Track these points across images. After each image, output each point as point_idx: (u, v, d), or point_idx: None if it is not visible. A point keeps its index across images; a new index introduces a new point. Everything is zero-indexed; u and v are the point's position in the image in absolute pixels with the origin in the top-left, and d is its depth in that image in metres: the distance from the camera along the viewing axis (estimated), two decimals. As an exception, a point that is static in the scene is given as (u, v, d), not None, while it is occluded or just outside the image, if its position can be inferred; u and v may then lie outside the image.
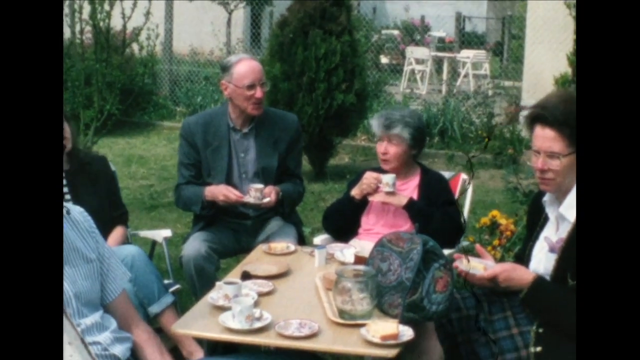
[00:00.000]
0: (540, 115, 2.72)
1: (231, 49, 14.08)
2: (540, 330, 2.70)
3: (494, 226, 4.64)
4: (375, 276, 2.78)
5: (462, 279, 2.86)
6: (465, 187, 4.17)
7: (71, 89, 7.07)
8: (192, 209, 4.03)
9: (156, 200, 7.25)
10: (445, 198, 3.82)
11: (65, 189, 3.70)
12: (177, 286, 3.86)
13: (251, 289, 2.98)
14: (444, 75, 14.44)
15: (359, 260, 3.22)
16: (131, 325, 2.70)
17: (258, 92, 3.89)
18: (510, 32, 16.35)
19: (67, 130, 3.73)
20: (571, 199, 2.71)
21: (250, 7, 15.30)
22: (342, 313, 2.71)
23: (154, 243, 4.31)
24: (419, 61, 14.96)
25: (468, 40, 16.44)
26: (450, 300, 2.76)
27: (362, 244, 3.64)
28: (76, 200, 3.51)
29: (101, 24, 6.57)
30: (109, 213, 3.85)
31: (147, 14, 6.93)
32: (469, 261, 2.82)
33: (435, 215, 3.69)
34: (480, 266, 2.83)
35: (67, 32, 7.39)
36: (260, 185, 3.83)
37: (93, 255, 2.62)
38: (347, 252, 3.41)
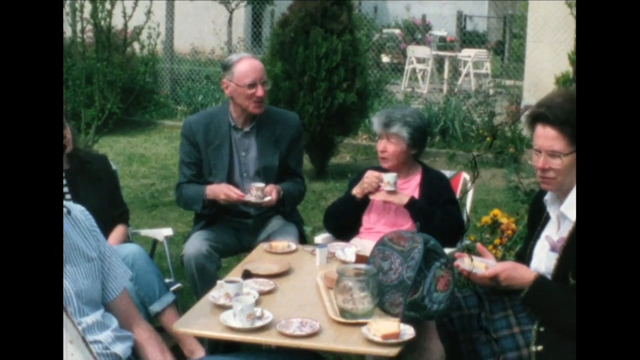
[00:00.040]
0: (542, 115, 2.72)
1: (232, 48, 14.08)
2: (542, 329, 2.70)
3: (495, 225, 4.64)
4: (377, 275, 2.78)
5: (463, 277, 2.86)
6: (467, 187, 4.17)
7: (72, 88, 7.07)
8: (193, 207, 4.03)
9: (157, 199, 7.26)
10: (447, 197, 3.82)
11: (66, 189, 3.70)
12: (178, 285, 3.86)
13: (252, 287, 2.98)
14: (445, 74, 14.44)
15: (360, 259, 3.22)
16: (132, 324, 2.70)
17: (259, 91, 3.89)
18: (512, 31, 16.34)
19: (67, 131, 3.73)
20: (572, 198, 2.71)
21: (251, 6, 15.30)
22: (343, 312, 2.71)
23: (155, 242, 4.31)
24: (420, 60, 14.96)
25: (469, 39, 16.44)
26: (452, 299, 2.76)
27: (363, 243, 3.64)
28: (76, 200, 3.51)
29: (102, 22, 6.56)
30: (110, 212, 3.85)
31: (148, 12, 6.93)
32: (472, 260, 2.82)
33: (437, 214, 3.69)
34: (482, 265, 2.83)
35: (68, 31, 7.40)
36: (261, 184, 3.83)
37: (94, 254, 2.61)
38: (348, 251, 3.41)
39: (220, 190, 3.85)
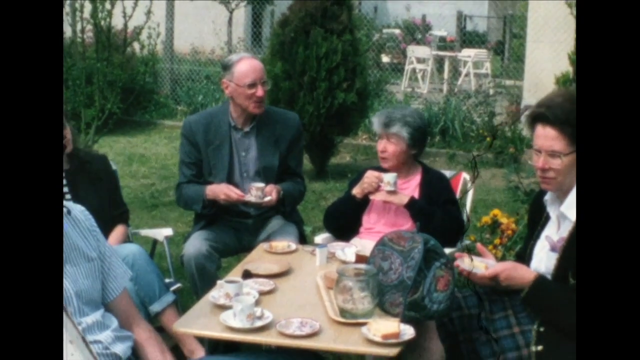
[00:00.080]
0: (542, 114, 2.72)
1: (232, 48, 14.08)
2: (542, 329, 2.70)
3: (495, 225, 4.64)
4: (377, 275, 2.78)
5: (463, 277, 2.86)
6: (467, 187, 4.17)
7: (72, 88, 7.07)
8: (193, 207, 4.03)
9: (157, 199, 7.26)
10: (447, 197, 3.82)
11: (66, 189, 3.70)
12: (178, 285, 3.86)
13: (252, 287, 2.98)
14: (445, 74, 14.44)
15: (360, 259, 3.22)
16: (132, 324, 2.70)
17: (259, 91, 3.89)
18: (512, 31, 16.34)
19: (67, 131, 3.73)
20: (572, 198, 2.71)
21: (251, 6, 15.30)
22: (343, 312, 2.71)
23: (155, 242, 4.31)
24: (420, 60, 14.97)
25: (469, 39, 16.44)
26: (452, 299, 2.76)
27: (363, 243, 3.64)
28: (76, 200, 3.51)
29: (102, 22, 6.56)
30: (110, 212, 3.85)
31: (148, 12, 6.93)
32: (472, 260, 2.82)
33: (437, 214, 3.69)
34: (482, 265, 2.83)
35: (68, 31, 7.39)
36: (261, 184, 3.83)
37: (94, 254, 2.61)
38: (348, 251, 3.41)
39: (220, 190, 3.85)
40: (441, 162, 8.86)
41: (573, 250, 2.52)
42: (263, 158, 3.99)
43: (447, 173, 4.19)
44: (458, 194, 4.11)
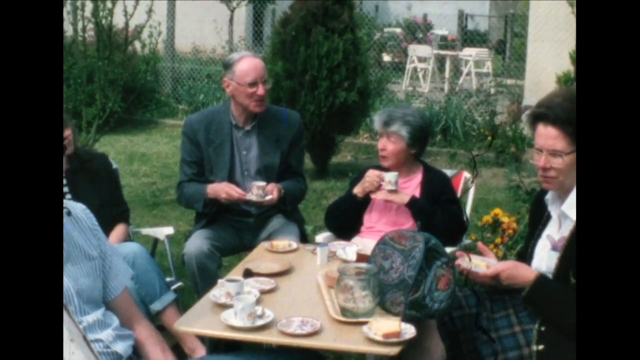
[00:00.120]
0: (543, 114, 2.72)
1: (233, 47, 14.08)
2: (543, 329, 2.70)
3: (496, 224, 4.64)
4: (378, 274, 2.78)
5: (463, 277, 2.86)
6: (467, 186, 4.17)
7: (73, 87, 7.08)
8: (195, 206, 4.03)
9: (158, 198, 7.26)
10: (448, 196, 3.82)
11: (66, 189, 3.69)
12: (179, 284, 3.86)
13: (253, 286, 2.98)
14: (446, 74, 14.44)
15: (361, 258, 3.22)
16: (133, 322, 2.70)
17: (260, 90, 3.89)
18: (513, 30, 16.33)
19: (69, 132, 3.73)
20: (573, 197, 2.71)
21: (252, 5, 15.30)
22: (344, 311, 2.71)
23: (156, 241, 4.31)
24: (421, 59, 14.97)
25: (470, 38, 16.44)
26: (452, 298, 2.76)
27: (365, 242, 3.64)
28: (76, 199, 3.50)
29: (103, 21, 6.57)
30: (110, 211, 3.84)
31: (150, 11, 6.93)
32: (470, 259, 2.82)
33: (438, 213, 3.69)
34: (483, 264, 2.83)
35: (69, 30, 7.41)
36: (262, 183, 3.83)
37: (95, 253, 2.61)
38: (349, 250, 3.41)
39: (221, 189, 3.86)
40: (442, 161, 8.86)
41: (574, 250, 2.52)
42: (264, 157, 3.99)
43: (448, 172, 4.18)
44: (459, 193, 4.10)
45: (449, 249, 3.12)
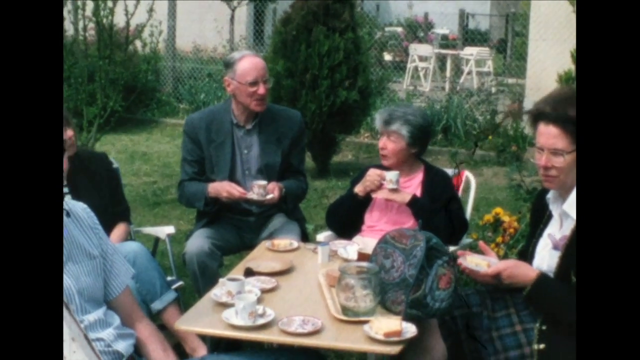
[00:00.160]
0: (544, 113, 2.72)
1: (234, 46, 14.09)
2: (544, 328, 2.69)
3: (497, 223, 4.64)
4: (379, 273, 2.78)
5: (465, 276, 2.85)
6: (469, 185, 4.16)
7: (74, 86, 7.08)
8: (196, 205, 4.03)
9: (159, 197, 7.26)
10: (449, 195, 3.82)
11: (66, 189, 3.69)
12: (180, 283, 3.86)
13: (254, 285, 2.98)
14: (447, 73, 14.44)
15: (362, 257, 3.22)
16: (134, 321, 2.70)
17: (261, 89, 3.89)
18: (514, 29, 16.34)
19: (71, 133, 3.72)
20: (575, 196, 2.71)
21: (253, 4, 15.30)
22: (345, 310, 2.71)
23: (157, 240, 4.31)
24: (422, 58, 14.97)
25: (471, 37, 16.42)
26: (454, 297, 2.76)
27: (366, 241, 3.64)
28: (77, 199, 3.50)
29: (104, 20, 6.56)
30: (111, 210, 3.84)
31: (150, 10, 6.93)
32: (467, 260, 2.82)
33: (439, 212, 3.69)
34: (484, 263, 2.83)
35: (70, 29, 7.41)
36: (263, 182, 3.83)
37: (96, 252, 2.62)
38: (350, 249, 3.41)
39: (222, 188, 3.86)
40: (443, 161, 8.85)
41: (575, 249, 2.52)
42: (265, 156, 3.99)
43: (449, 171, 4.18)
44: (460, 193, 4.10)
45: (450, 248, 3.12)
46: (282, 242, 3.62)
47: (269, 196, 3.81)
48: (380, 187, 3.78)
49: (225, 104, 4.12)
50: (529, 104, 9.31)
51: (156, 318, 3.38)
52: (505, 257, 4.07)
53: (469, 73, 14.20)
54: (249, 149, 4.01)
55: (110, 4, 6.53)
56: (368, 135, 9.81)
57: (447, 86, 13.30)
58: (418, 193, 3.80)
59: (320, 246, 3.41)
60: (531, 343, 2.69)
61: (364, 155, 9.33)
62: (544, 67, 9.12)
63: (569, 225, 2.74)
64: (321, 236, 3.98)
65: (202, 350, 3.28)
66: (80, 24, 6.86)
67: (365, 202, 3.87)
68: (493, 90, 10.90)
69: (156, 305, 3.43)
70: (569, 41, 8.34)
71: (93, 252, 2.60)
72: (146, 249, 3.61)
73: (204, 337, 3.28)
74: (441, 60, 15.44)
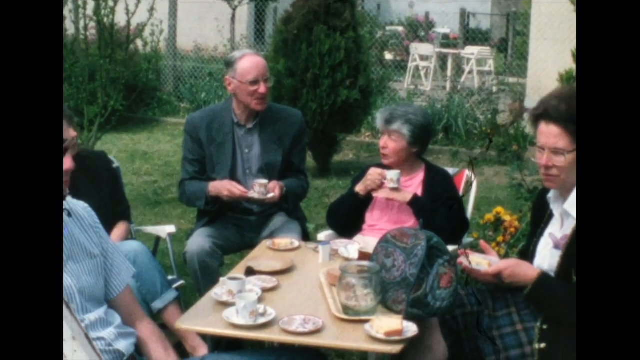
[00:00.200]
0: (545, 112, 2.72)
1: (235, 45, 14.09)
2: (545, 327, 2.69)
3: (498, 223, 4.63)
4: (380, 272, 2.77)
5: (465, 275, 2.85)
6: (470, 181, 4.16)
7: (75, 85, 7.09)
8: (196, 204, 4.03)
9: (160, 196, 7.26)
10: (450, 194, 3.82)
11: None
12: (181, 282, 3.86)
13: (255, 284, 2.98)
14: (448, 72, 14.45)
15: (363, 256, 3.22)
16: (135, 320, 2.70)
17: (262, 88, 3.89)
18: (515, 29, 16.33)
19: (74, 134, 3.72)
20: (576, 195, 2.70)
21: (254, 3, 15.31)
22: (346, 309, 2.71)
23: (158, 239, 4.31)
24: (423, 57, 14.97)
25: (472, 36, 16.43)
26: (455, 296, 2.76)
27: (366, 240, 3.63)
28: (77, 199, 3.51)
29: (105, 20, 6.57)
30: (112, 209, 3.84)
31: (151, 10, 6.94)
32: (468, 259, 2.82)
33: (440, 211, 3.69)
34: (485, 262, 2.83)
35: (71, 28, 7.42)
36: (264, 181, 3.83)
37: (97, 251, 2.61)
38: (351, 248, 3.41)
39: (223, 187, 3.86)
40: (444, 160, 8.86)
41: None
42: (266, 155, 3.99)
43: (450, 170, 4.18)
44: (461, 192, 4.10)
45: (451, 247, 3.12)
46: (283, 241, 3.62)
47: (270, 195, 3.81)
48: (381, 186, 3.78)
49: (226, 103, 4.12)
50: (530, 103, 9.31)
51: (157, 317, 3.39)
52: (506, 256, 4.07)
53: (470, 72, 14.20)
54: (250, 148, 4.01)
55: (111, 3, 6.54)
56: (369, 134, 9.81)
57: (448, 85, 13.31)
58: (419, 192, 3.80)
59: (321, 245, 3.41)
60: (532, 342, 2.69)
61: (365, 155, 9.33)
62: (545, 67, 9.11)
63: (570, 224, 2.73)
64: (322, 235, 3.98)
65: (202, 349, 3.28)
66: (81, 23, 6.88)
67: (366, 201, 3.86)
68: (494, 89, 10.91)
69: (157, 305, 3.43)
70: (570, 40, 8.33)
71: (94, 251, 2.60)
72: (147, 248, 3.61)
73: (204, 336, 3.28)
74: (442, 59, 15.44)
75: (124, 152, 9.23)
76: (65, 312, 2.00)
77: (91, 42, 7.34)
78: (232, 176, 3.95)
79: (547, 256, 2.79)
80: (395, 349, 2.51)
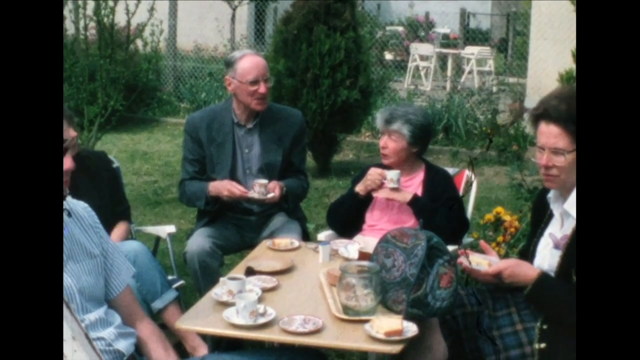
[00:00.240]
0: (545, 112, 2.71)
1: (235, 45, 14.10)
2: (545, 327, 2.69)
3: (498, 223, 4.63)
4: (380, 272, 2.77)
5: (465, 275, 2.85)
6: (470, 180, 4.17)
7: (75, 85, 7.09)
8: (196, 204, 4.03)
9: (160, 196, 7.27)
10: (450, 194, 3.82)
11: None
12: (181, 282, 3.86)
13: (255, 284, 2.98)
14: (448, 72, 14.45)
15: (363, 256, 3.22)
16: (135, 320, 2.70)
17: (261, 88, 3.89)
18: (515, 29, 16.33)
19: (75, 134, 3.72)
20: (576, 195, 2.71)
21: (254, 3, 15.31)
22: (346, 309, 2.71)
23: (158, 239, 4.31)
24: (423, 57, 14.97)
25: (472, 36, 16.43)
26: (455, 296, 2.75)
27: (366, 240, 3.63)
28: (77, 199, 3.50)
29: (105, 20, 6.57)
30: (112, 209, 3.84)
31: (151, 10, 6.94)
32: (468, 259, 2.82)
33: (440, 211, 3.69)
34: (485, 262, 2.83)
35: (71, 28, 7.42)
36: (264, 181, 3.83)
37: (97, 251, 2.61)
38: (351, 248, 3.41)
39: (223, 187, 3.85)
40: (444, 160, 8.86)
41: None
42: (266, 155, 3.99)
43: (450, 170, 4.18)
44: (461, 192, 4.10)
45: (451, 247, 3.12)
46: (283, 241, 3.62)
47: (270, 195, 3.81)
48: (381, 186, 3.78)
49: (226, 103, 4.12)
50: (530, 103, 9.31)
51: (157, 317, 3.39)
52: (506, 256, 4.07)
53: (470, 72, 14.20)
54: (250, 148, 4.01)
55: (111, 3, 6.54)
56: (369, 134, 9.81)
57: (448, 85, 13.31)
58: (419, 192, 3.80)
59: (321, 245, 3.41)
60: (532, 342, 2.69)
61: (364, 155, 9.33)
62: (545, 67, 9.11)
63: (570, 224, 2.73)
64: (322, 235, 3.98)
65: (202, 349, 3.28)
66: (81, 23, 6.88)
67: (366, 201, 3.86)
68: (494, 89, 10.91)
69: (157, 305, 3.43)
70: (570, 40, 8.33)
71: (94, 251, 2.60)
72: (147, 248, 3.61)
73: (204, 336, 3.28)
74: (442, 59, 15.45)
75: (124, 152, 9.23)
76: (65, 312, 2.00)
77: (91, 42, 7.34)
78: (232, 176, 3.95)
79: (547, 256, 2.79)
80: (395, 349, 2.51)
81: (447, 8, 17.35)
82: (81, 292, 2.51)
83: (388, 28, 17.36)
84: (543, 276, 2.70)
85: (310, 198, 6.66)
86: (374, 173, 3.79)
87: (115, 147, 9.35)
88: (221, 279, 3.06)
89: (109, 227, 3.55)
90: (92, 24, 6.80)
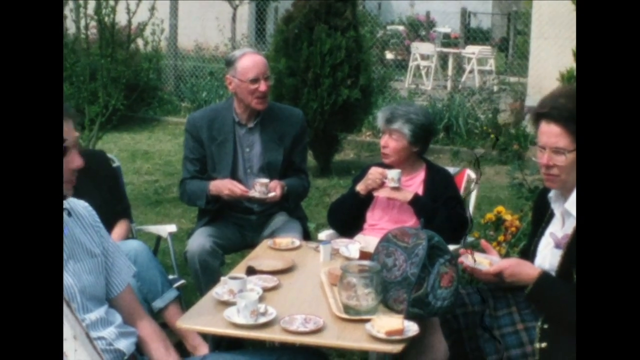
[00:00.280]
0: (546, 111, 2.71)
1: (236, 45, 14.10)
2: (545, 326, 2.69)
3: (499, 222, 4.63)
4: (380, 271, 2.77)
5: (467, 274, 2.85)
6: (471, 188, 4.17)
7: (76, 84, 7.08)
8: (197, 203, 4.03)
9: (161, 196, 7.27)
10: (451, 194, 3.82)
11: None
12: (182, 281, 3.86)
13: (256, 284, 2.98)
14: (449, 71, 14.44)
15: (364, 255, 3.22)
16: (136, 319, 2.69)
17: (262, 86, 3.89)
18: (516, 28, 16.32)
19: (76, 134, 3.72)
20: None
21: (255, 2, 15.31)
22: (347, 308, 2.71)
23: (158, 238, 4.31)
24: (424, 57, 14.97)
25: (473, 36, 16.43)
26: (456, 295, 2.75)
27: (367, 240, 3.63)
28: (77, 198, 3.50)
29: (106, 19, 6.57)
30: (112, 208, 3.84)
31: (152, 9, 6.94)
32: (472, 257, 2.82)
33: (441, 210, 3.69)
34: (486, 261, 2.83)
35: (72, 28, 7.41)
36: (265, 180, 3.83)
37: (97, 250, 2.61)
38: (352, 247, 3.41)
39: (224, 186, 3.85)
40: (445, 159, 8.86)
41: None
42: (267, 154, 3.99)
43: (451, 170, 4.18)
44: (462, 191, 4.10)
45: (452, 247, 3.12)
46: (284, 240, 3.62)
47: (271, 194, 3.81)
48: (382, 185, 3.78)
49: (227, 102, 4.12)
50: (530, 102, 9.32)
51: (158, 316, 3.38)
52: (507, 255, 4.07)
53: (471, 72, 14.20)
54: (251, 147, 4.01)
55: (112, 2, 6.54)
56: (370, 133, 9.81)
57: (449, 85, 13.31)
58: (420, 191, 3.80)
59: (322, 245, 3.41)
60: (533, 342, 2.69)
61: (365, 154, 9.33)
62: (545, 66, 9.12)
63: (571, 224, 2.73)
64: (323, 235, 3.98)
65: (203, 348, 3.28)
66: (82, 23, 6.87)
67: (367, 200, 3.86)
68: (495, 88, 10.91)
69: (158, 304, 3.43)
70: (571, 39, 8.34)
71: (94, 250, 2.60)
72: (147, 247, 3.61)
73: (205, 336, 3.29)
74: (443, 58, 15.44)
75: (125, 152, 9.23)
76: (66, 311, 2.00)
77: (92, 41, 7.33)
78: (233, 175, 3.95)
79: (548, 256, 2.79)
80: (396, 348, 2.51)
81: (448, 7, 17.35)
82: (82, 292, 2.51)
83: (389, 27, 17.35)
84: (544, 276, 2.70)
85: (311, 197, 6.66)
86: (374, 172, 3.79)
87: (116, 146, 9.35)
88: (222, 279, 3.05)
89: (109, 226, 3.55)
90: (93, 23, 6.79)
